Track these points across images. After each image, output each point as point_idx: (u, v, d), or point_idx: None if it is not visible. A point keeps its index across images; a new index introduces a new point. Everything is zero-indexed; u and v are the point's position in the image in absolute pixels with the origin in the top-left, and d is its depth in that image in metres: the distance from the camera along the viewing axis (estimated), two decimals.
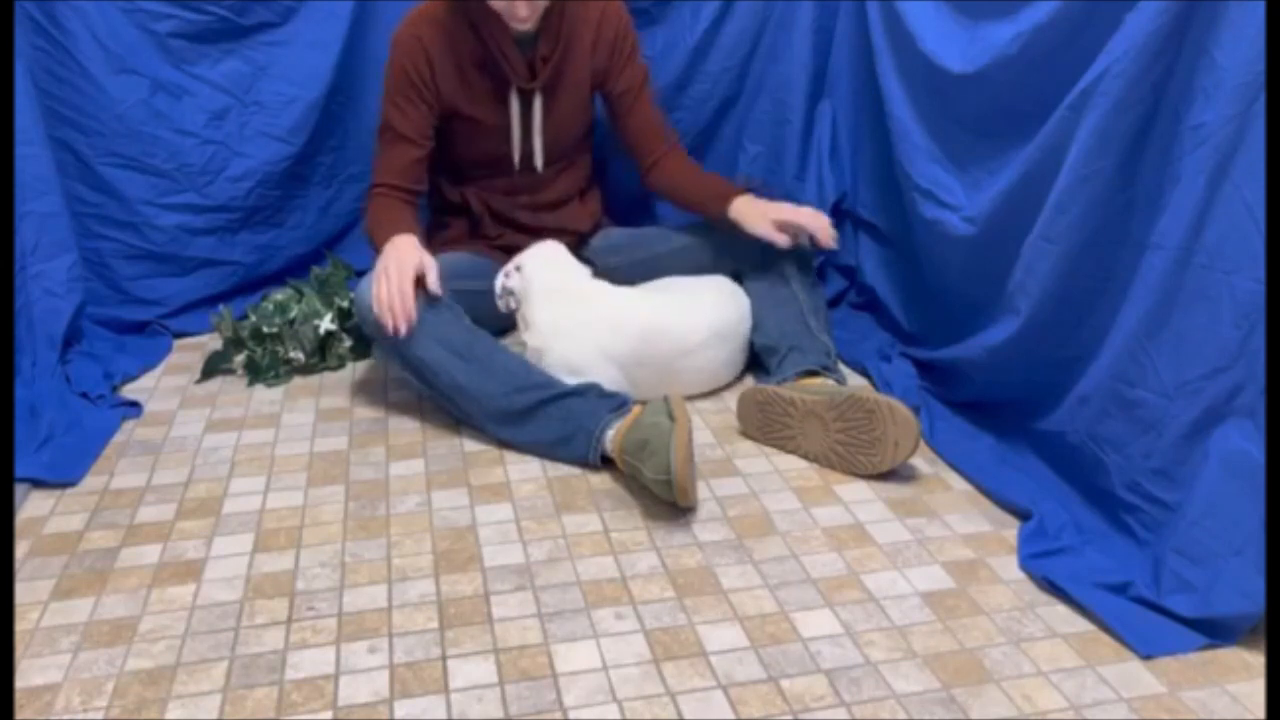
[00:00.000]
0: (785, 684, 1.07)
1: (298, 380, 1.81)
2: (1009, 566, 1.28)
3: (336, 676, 1.09)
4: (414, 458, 1.54)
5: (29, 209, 1.74)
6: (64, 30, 1.79)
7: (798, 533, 1.35)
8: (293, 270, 2.06)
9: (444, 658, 1.11)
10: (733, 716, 1.03)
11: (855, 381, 1.79)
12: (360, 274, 1.69)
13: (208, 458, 1.55)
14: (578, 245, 1.88)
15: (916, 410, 1.63)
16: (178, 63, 1.89)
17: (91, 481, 1.48)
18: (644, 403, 1.47)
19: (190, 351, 1.92)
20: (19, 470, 1.44)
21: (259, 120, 1.96)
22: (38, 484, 1.46)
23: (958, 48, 1.55)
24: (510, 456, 1.54)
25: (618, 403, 1.50)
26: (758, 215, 1.69)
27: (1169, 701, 1.05)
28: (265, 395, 1.75)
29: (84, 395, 1.67)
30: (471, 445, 1.58)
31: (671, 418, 1.37)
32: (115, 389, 1.74)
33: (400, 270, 1.51)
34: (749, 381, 1.78)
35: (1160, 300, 1.20)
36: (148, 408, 1.70)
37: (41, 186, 1.76)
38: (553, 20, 1.69)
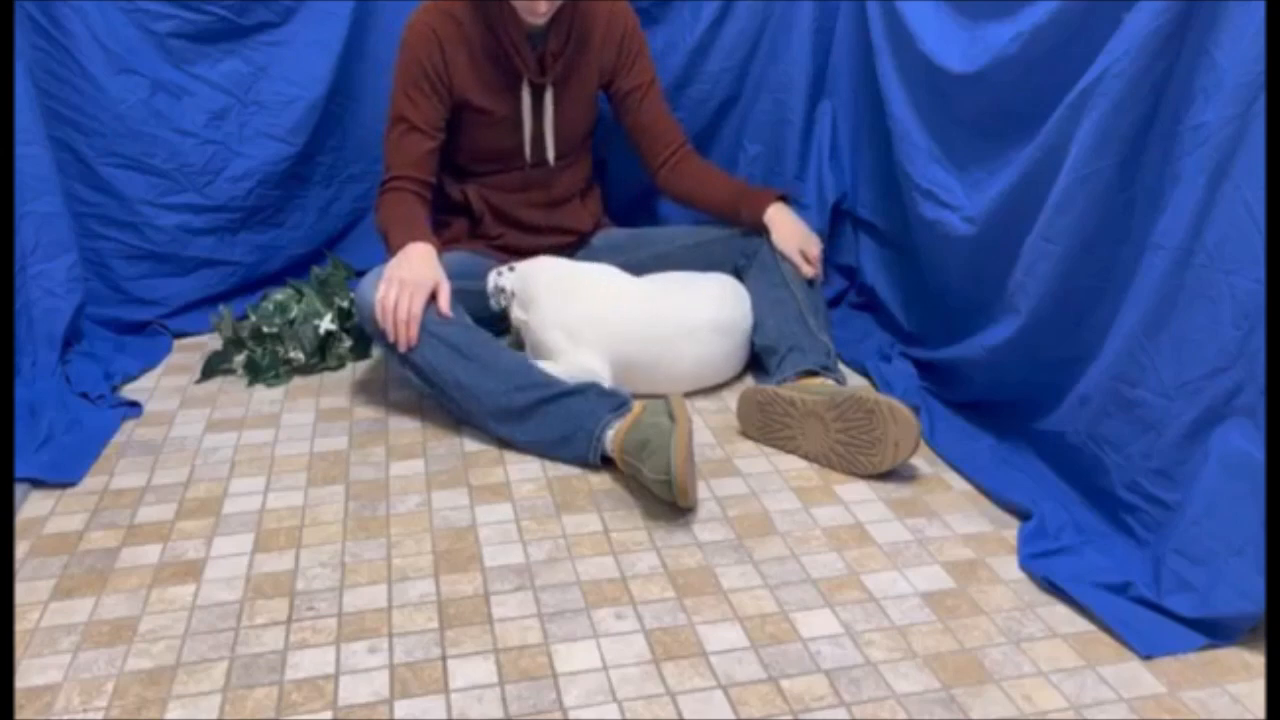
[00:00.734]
0: (785, 684, 1.07)
1: (298, 380, 1.81)
2: (1009, 566, 1.28)
3: (336, 676, 1.09)
4: (414, 458, 1.54)
5: (29, 209, 1.74)
6: (64, 30, 1.79)
7: (798, 533, 1.35)
8: (293, 270, 2.06)
9: (444, 658, 1.11)
10: (733, 716, 1.03)
11: (855, 381, 1.79)
12: (360, 274, 1.69)
13: (208, 458, 1.55)
14: (577, 246, 1.88)
15: (916, 410, 1.63)
16: (178, 63, 1.89)
17: (91, 481, 1.48)
18: (644, 402, 1.47)
19: (190, 351, 1.92)
20: (19, 470, 1.44)
21: (259, 120, 1.96)
22: (38, 484, 1.46)
23: (958, 48, 1.55)
24: (510, 456, 1.54)
25: (618, 402, 1.50)
26: (790, 237, 1.75)
27: (1169, 701, 1.05)
28: (265, 395, 1.76)
29: (84, 395, 1.67)
30: (471, 445, 1.58)
31: (672, 418, 1.37)
32: (115, 389, 1.74)
33: (414, 289, 1.53)
34: (749, 381, 1.79)
35: (1160, 300, 1.20)
36: (148, 408, 1.70)
37: (41, 186, 1.76)
38: (563, 16, 1.70)
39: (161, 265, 1.96)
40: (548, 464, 1.52)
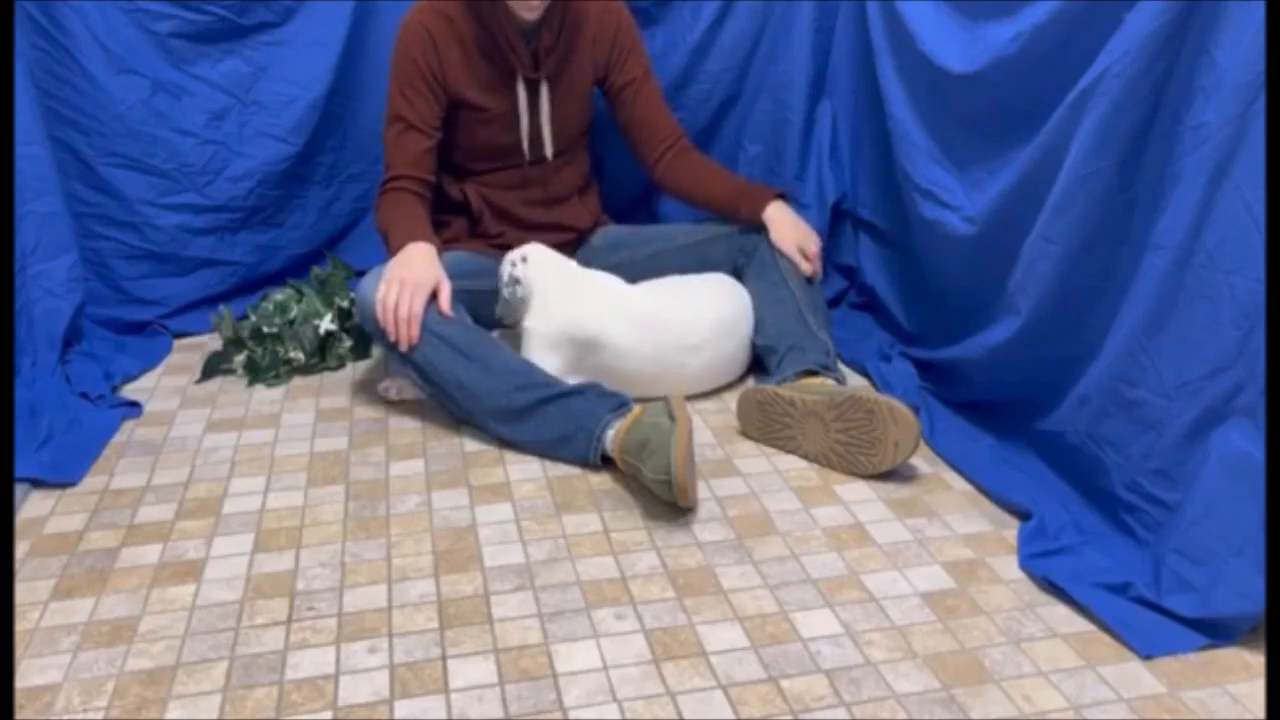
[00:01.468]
0: (785, 684, 1.07)
1: (298, 380, 1.81)
2: (1009, 566, 1.27)
3: (336, 676, 1.09)
4: (414, 458, 1.54)
5: (29, 209, 1.74)
6: (64, 30, 1.79)
7: (798, 533, 1.35)
8: (293, 270, 2.06)
9: (444, 658, 1.11)
10: (733, 716, 1.03)
11: (855, 381, 1.79)
12: (360, 274, 1.70)
13: (208, 458, 1.55)
14: (576, 244, 1.88)
15: (916, 410, 1.63)
16: (178, 63, 1.89)
17: (91, 481, 1.48)
18: (644, 403, 1.47)
19: (190, 351, 1.92)
20: (19, 470, 1.44)
21: (259, 120, 1.96)
22: (38, 484, 1.46)
23: (958, 48, 1.55)
24: (510, 456, 1.54)
25: (618, 402, 1.50)
26: (788, 234, 1.75)
27: (1169, 701, 1.05)
28: (265, 395, 1.75)
29: (84, 395, 1.67)
30: (471, 445, 1.58)
31: (672, 418, 1.37)
32: (115, 389, 1.74)
33: (415, 289, 1.53)
34: (750, 382, 1.78)
35: (1160, 300, 1.20)
36: (148, 408, 1.70)
37: (41, 186, 1.76)
38: (555, 12, 1.70)
39: (161, 265, 1.96)
40: (548, 464, 1.52)
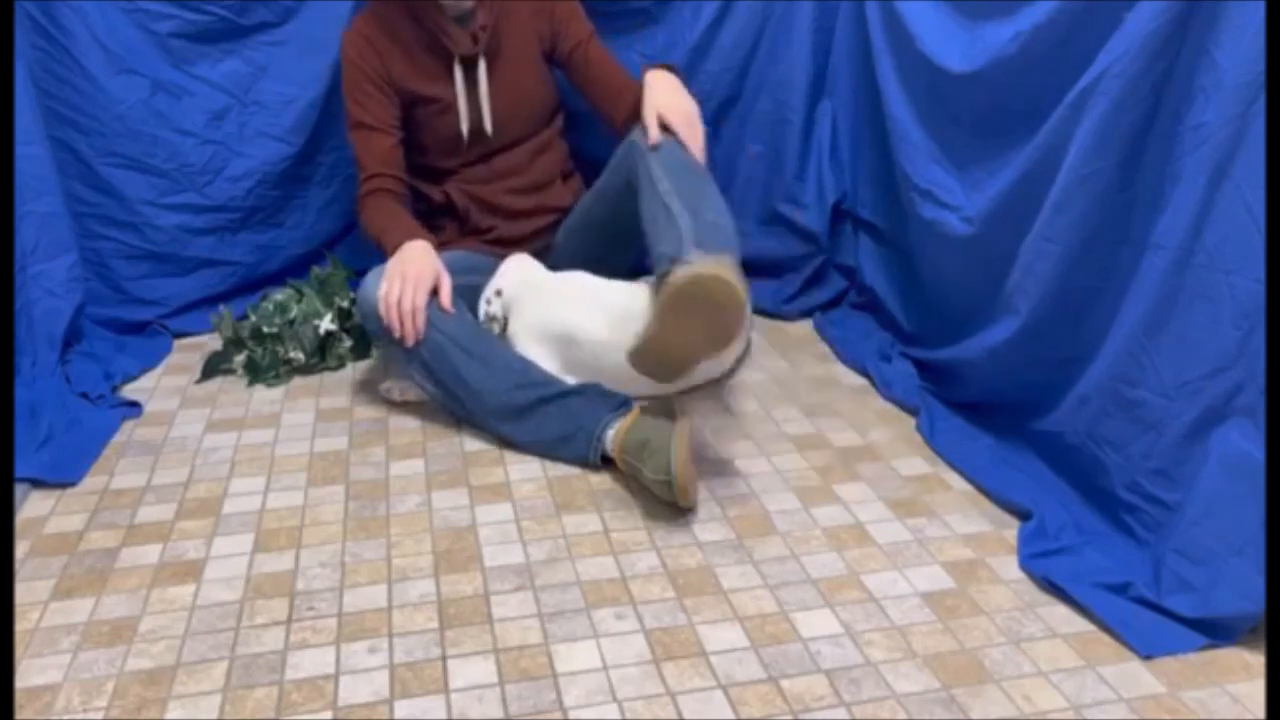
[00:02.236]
0: (785, 684, 1.07)
1: (298, 380, 1.81)
2: (1009, 566, 1.27)
3: (336, 676, 1.09)
4: (414, 458, 1.54)
5: (29, 209, 1.74)
6: (64, 30, 1.79)
7: (798, 533, 1.35)
8: (293, 270, 2.06)
9: (444, 658, 1.11)
10: (733, 716, 1.03)
11: (855, 381, 1.79)
12: (360, 274, 1.69)
13: (208, 458, 1.55)
14: (558, 224, 1.88)
15: (916, 411, 1.63)
16: (178, 63, 1.89)
17: (91, 481, 1.48)
18: (645, 403, 1.47)
19: (190, 351, 1.91)
20: (19, 470, 1.44)
21: (259, 120, 1.96)
22: (38, 484, 1.46)
23: (957, 48, 1.55)
24: (510, 456, 1.54)
25: (618, 402, 1.50)
26: (653, 100, 1.62)
27: (1169, 701, 1.05)
28: (265, 395, 1.75)
29: (84, 395, 1.67)
30: (471, 445, 1.58)
31: (672, 418, 1.37)
32: (115, 389, 1.74)
33: (417, 284, 1.53)
34: (746, 375, 1.78)
35: (1160, 300, 1.20)
36: (148, 408, 1.70)
37: (41, 186, 1.76)
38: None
39: (161, 265, 1.96)
40: (548, 464, 1.52)
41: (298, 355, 1.81)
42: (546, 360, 1.62)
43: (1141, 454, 1.24)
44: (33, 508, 1.41)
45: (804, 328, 2.03)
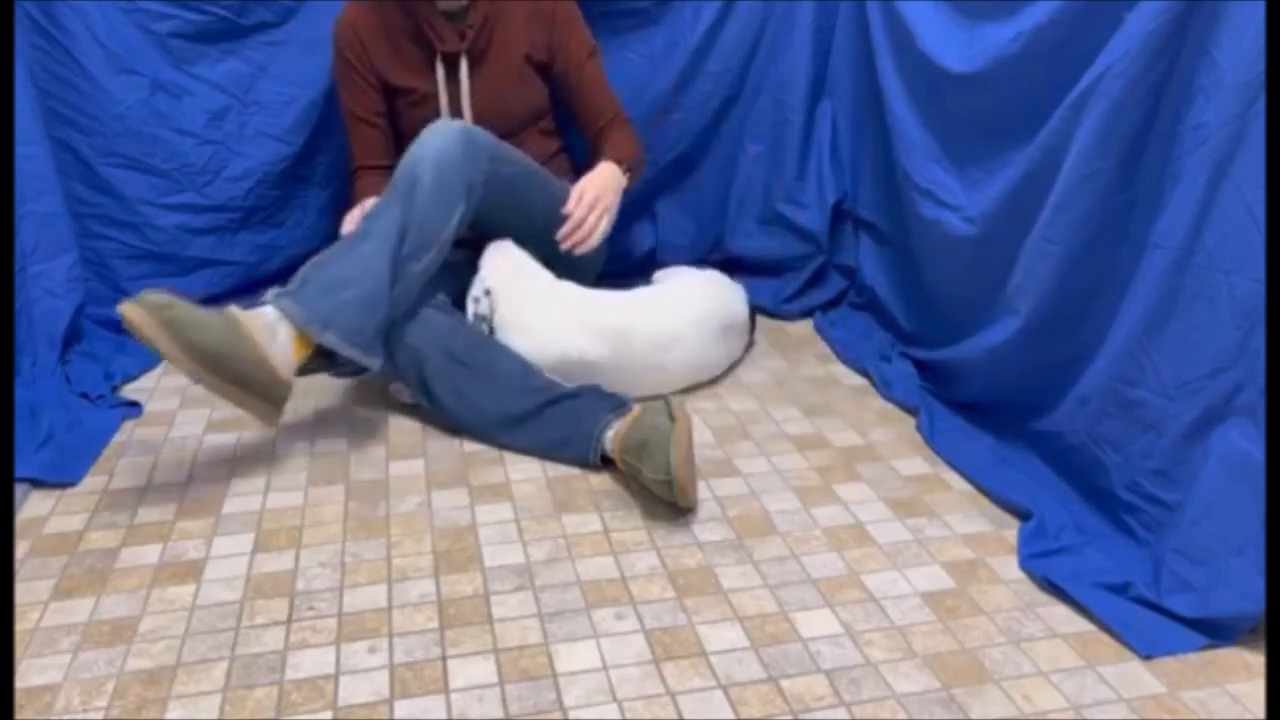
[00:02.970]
0: (785, 684, 1.07)
1: (298, 380, 1.80)
2: (1009, 566, 1.27)
3: (336, 676, 1.09)
4: (414, 458, 1.54)
5: (29, 209, 1.74)
6: (64, 30, 1.79)
7: (798, 533, 1.35)
8: (292, 270, 2.02)
9: (444, 658, 1.11)
10: (733, 716, 1.03)
11: (855, 381, 1.79)
12: None
13: (208, 458, 1.54)
14: None
15: (916, 411, 1.63)
16: (178, 63, 1.89)
17: (91, 481, 1.48)
18: (644, 403, 1.47)
19: None
20: (19, 470, 1.44)
21: (259, 120, 1.96)
22: (38, 484, 1.46)
23: (958, 48, 1.55)
24: (510, 456, 1.54)
25: (617, 403, 1.50)
26: (585, 181, 1.69)
27: (1169, 701, 1.05)
28: None
29: (84, 395, 1.67)
30: (471, 445, 1.58)
31: (672, 418, 1.37)
32: (115, 389, 1.74)
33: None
34: (748, 378, 1.78)
35: (1160, 300, 1.20)
36: (148, 408, 1.70)
37: (41, 186, 1.76)
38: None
39: (161, 265, 1.96)
40: (548, 464, 1.52)
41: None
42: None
43: (1141, 454, 1.24)
44: (33, 508, 1.41)
45: (804, 328, 2.03)
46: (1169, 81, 1.18)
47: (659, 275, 1.92)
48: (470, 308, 1.65)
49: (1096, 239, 1.30)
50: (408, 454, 1.55)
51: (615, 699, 1.05)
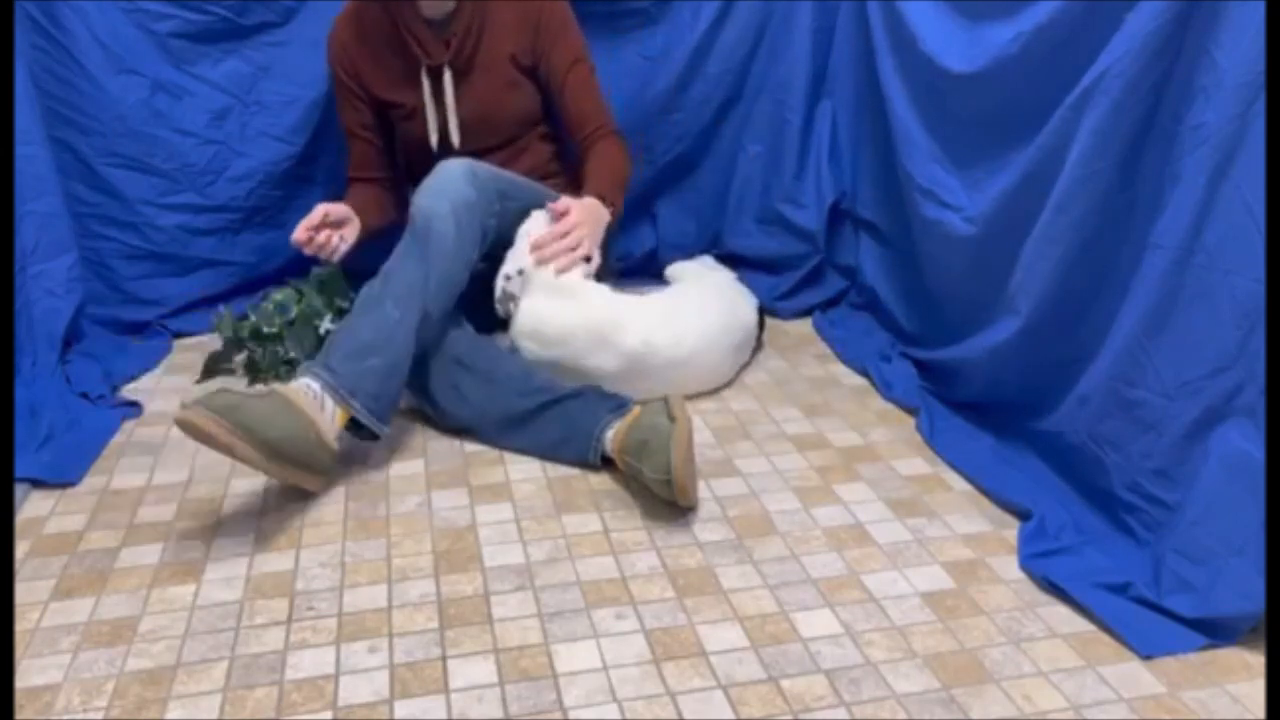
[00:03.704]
0: (785, 684, 1.07)
1: None
2: (1009, 566, 1.27)
3: (336, 676, 1.09)
4: (414, 458, 1.54)
5: (29, 209, 1.74)
6: (64, 30, 1.79)
7: (798, 533, 1.35)
8: (293, 270, 2.05)
9: (444, 658, 1.11)
10: (733, 716, 1.03)
11: (855, 381, 1.79)
12: (361, 274, 1.69)
13: (208, 458, 1.54)
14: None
15: (916, 411, 1.63)
16: (178, 63, 1.89)
17: (91, 481, 1.48)
18: (644, 403, 1.47)
19: (190, 351, 1.91)
20: (19, 470, 1.44)
21: (260, 120, 1.96)
22: (38, 484, 1.46)
23: (958, 48, 1.55)
24: (510, 456, 1.54)
25: (617, 403, 1.50)
26: (563, 204, 1.65)
27: (1169, 701, 1.05)
28: None
29: (84, 395, 1.67)
30: (471, 445, 1.58)
31: (671, 418, 1.37)
32: (115, 389, 1.74)
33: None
34: (748, 378, 1.78)
35: (1160, 300, 1.20)
36: (148, 408, 1.70)
37: (41, 186, 1.76)
38: (466, 6, 1.73)
39: (162, 265, 1.96)
40: (548, 464, 1.52)
41: (298, 355, 1.81)
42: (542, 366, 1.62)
43: (1141, 454, 1.24)
44: (33, 508, 1.41)
45: (804, 327, 2.03)
46: (1169, 81, 1.18)
47: (672, 271, 1.91)
48: (500, 284, 1.65)
49: (1097, 239, 1.30)
50: (408, 454, 1.55)
51: (615, 699, 1.05)
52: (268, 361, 1.80)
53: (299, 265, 2.06)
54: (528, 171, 1.82)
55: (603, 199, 1.72)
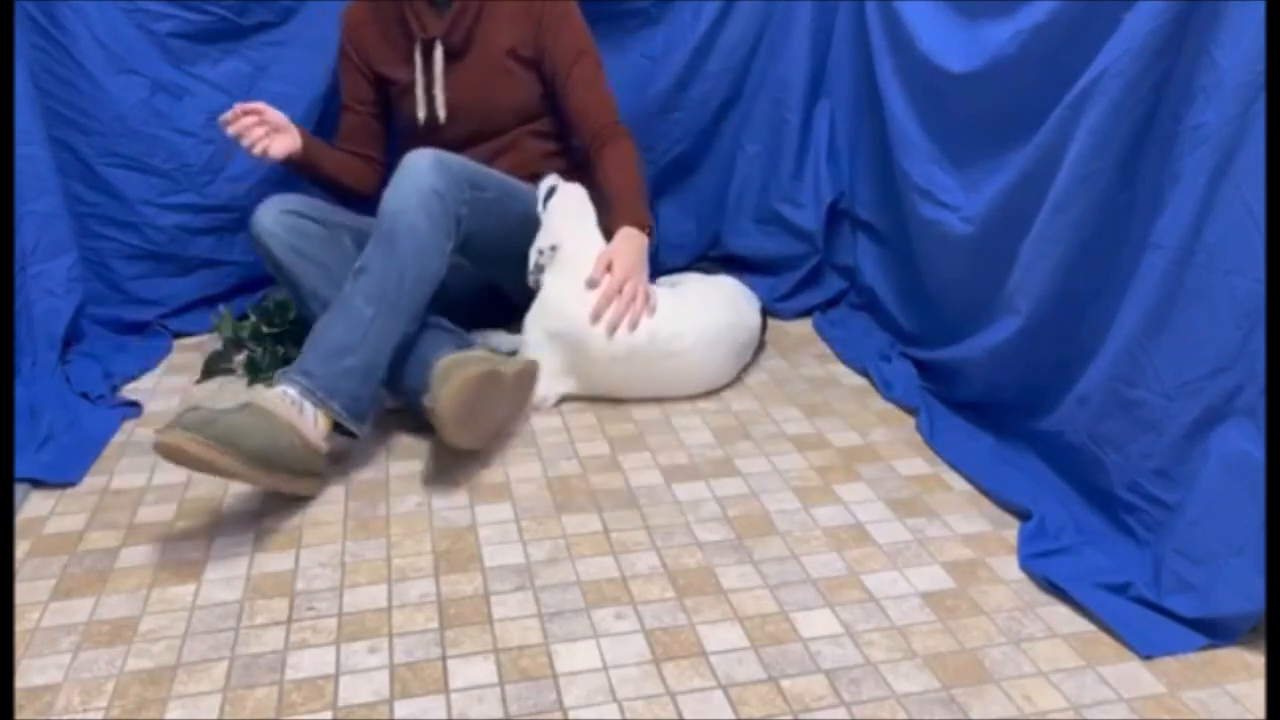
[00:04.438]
0: (785, 684, 1.07)
1: None
2: (1009, 566, 1.27)
3: (336, 676, 1.09)
4: (414, 458, 1.54)
5: (29, 209, 1.74)
6: (64, 30, 1.79)
7: (798, 533, 1.35)
8: None
9: (444, 658, 1.11)
10: (733, 716, 1.03)
11: (855, 381, 1.79)
12: None
13: None
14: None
15: (916, 411, 1.63)
16: (178, 63, 1.90)
17: (91, 481, 1.48)
18: (494, 350, 1.51)
19: (190, 351, 1.91)
20: (19, 470, 1.45)
21: None
22: (38, 484, 1.46)
23: (957, 48, 1.55)
24: (510, 456, 1.54)
25: (464, 341, 1.53)
26: (613, 257, 1.64)
27: (1169, 701, 1.05)
28: None
29: (84, 395, 1.67)
30: None
31: (490, 369, 1.39)
32: (115, 389, 1.74)
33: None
34: (749, 378, 1.79)
35: (1160, 300, 1.20)
36: (148, 408, 1.70)
37: (41, 186, 1.76)
38: None
39: (161, 265, 1.96)
40: (548, 464, 1.52)
41: (298, 355, 1.81)
42: (549, 350, 1.64)
43: (1141, 454, 1.24)
44: (33, 508, 1.41)
45: (804, 327, 2.03)
46: (1169, 81, 1.18)
47: (677, 281, 1.90)
48: (533, 256, 1.66)
49: (1096, 239, 1.30)
50: (408, 454, 1.55)
51: (615, 699, 1.05)
52: (268, 361, 1.80)
53: None
54: (513, 168, 1.80)
55: (639, 225, 1.71)
